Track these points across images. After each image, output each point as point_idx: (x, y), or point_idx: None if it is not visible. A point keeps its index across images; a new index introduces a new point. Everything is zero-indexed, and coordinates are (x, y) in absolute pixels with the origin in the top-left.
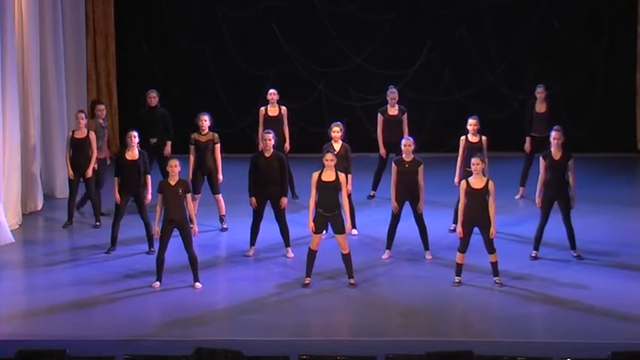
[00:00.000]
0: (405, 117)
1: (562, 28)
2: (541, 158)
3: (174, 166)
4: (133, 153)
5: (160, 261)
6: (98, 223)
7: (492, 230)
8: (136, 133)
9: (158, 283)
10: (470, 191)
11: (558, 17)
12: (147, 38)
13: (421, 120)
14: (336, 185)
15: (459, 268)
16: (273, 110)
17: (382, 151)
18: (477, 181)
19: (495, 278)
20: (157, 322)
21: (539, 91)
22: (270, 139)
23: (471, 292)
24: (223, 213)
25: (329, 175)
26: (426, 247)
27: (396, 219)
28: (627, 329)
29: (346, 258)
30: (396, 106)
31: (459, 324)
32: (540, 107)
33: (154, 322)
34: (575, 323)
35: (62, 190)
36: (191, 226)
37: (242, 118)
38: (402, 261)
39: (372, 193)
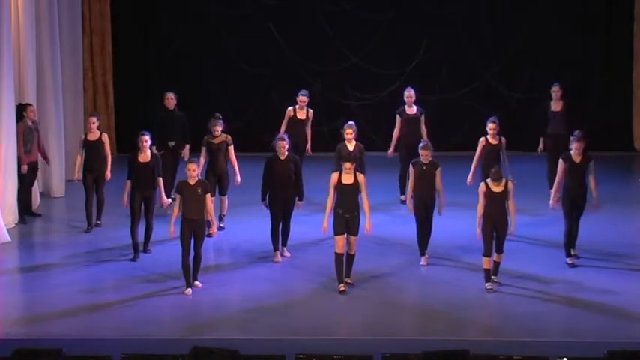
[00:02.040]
0: (423, 117)
1: (559, 27)
2: (561, 160)
3: (192, 170)
4: (146, 155)
5: (186, 266)
6: (99, 222)
7: (511, 228)
8: (147, 137)
9: (190, 289)
10: (489, 194)
11: (555, 16)
12: (143, 37)
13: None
14: (355, 187)
15: (487, 274)
16: (301, 113)
17: (390, 150)
18: (496, 185)
19: (494, 277)
20: (154, 321)
21: (555, 90)
22: (284, 146)
23: (467, 291)
24: (224, 213)
25: (348, 178)
26: (423, 253)
27: (420, 223)
28: (623, 328)
29: (351, 258)
30: (414, 106)
31: (455, 323)
32: (556, 106)
33: (151, 321)
34: (572, 322)
35: (59, 190)
36: (209, 231)
37: (238, 117)
38: (403, 262)
39: (403, 197)
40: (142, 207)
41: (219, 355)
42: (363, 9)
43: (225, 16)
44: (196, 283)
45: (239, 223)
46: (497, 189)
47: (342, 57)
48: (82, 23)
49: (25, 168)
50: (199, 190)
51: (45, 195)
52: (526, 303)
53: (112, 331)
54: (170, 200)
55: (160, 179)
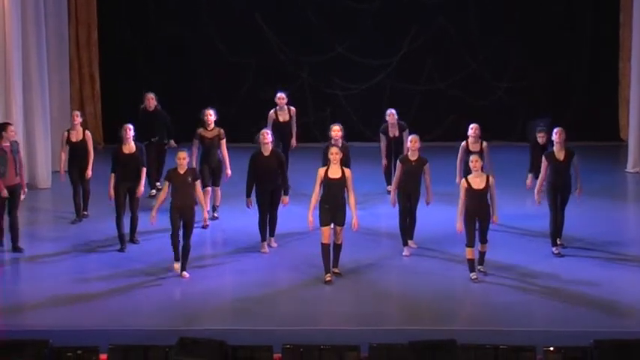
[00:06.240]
0: (406, 133)
1: (545, 16)
2: (544, 158)
3: (183, 158)
4: (130, 146)
5: (176, 243)
6: (86, 212)
7: (494, 217)
8: (131, 126)
9: (178, 264)
10: (470, 191)
11: (542, 5)
12: (130, 27)
13: (406, 108)
14: (342, 182)
15: (471, 264)
16: (283, 115)
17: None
18: (477, 181)
19: (480, 267)
20: (141, 312)
21: (540, 135)
22: (267, 142)
23: (453, 281)
24: (217, 203)
25: (335, 172)
26: (405, 243)
27: (404, 214)
28: (610, 318)
29: (338, 248)
30: (396, 125)
31: (442, 313)
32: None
33: (138, 312)
34: (558, 312)
35: (45, 181)
36: (203, 224)
37: (225, 106)
38: (390, 252)
39: (389, 188)
40: (127, 198)
41: (206, 345)
42: None
43: (212, 6)
44: (184, 273)
45: (227, 214)
46: (478, 186)
47: (329, 47)
48: (68, 13)
49: (4, 192)
50: (189, 179)
51: (31, 186)
52: (512, 293)
53: (100, 322)
54: (154, 191)
55: (144, 169)
